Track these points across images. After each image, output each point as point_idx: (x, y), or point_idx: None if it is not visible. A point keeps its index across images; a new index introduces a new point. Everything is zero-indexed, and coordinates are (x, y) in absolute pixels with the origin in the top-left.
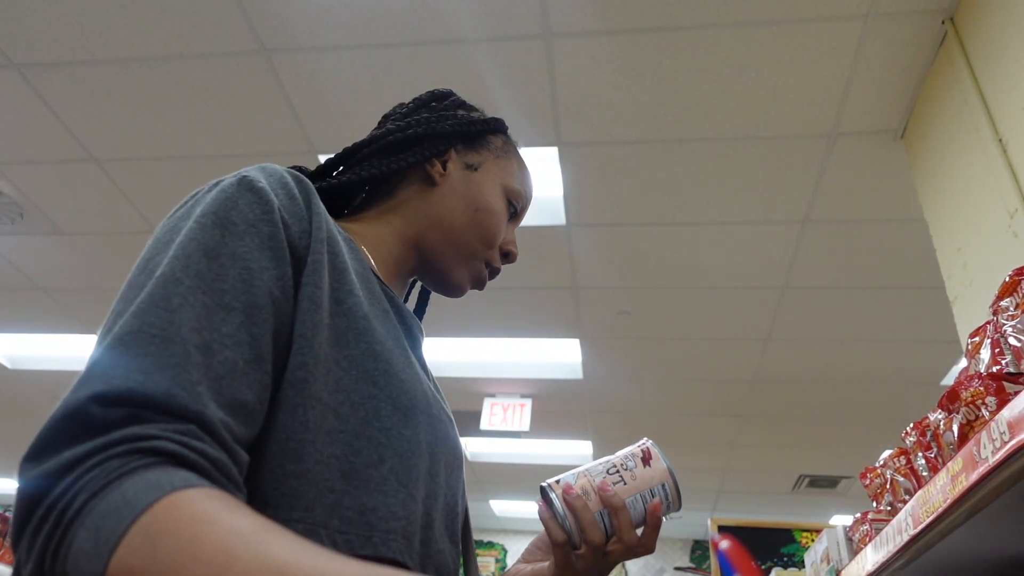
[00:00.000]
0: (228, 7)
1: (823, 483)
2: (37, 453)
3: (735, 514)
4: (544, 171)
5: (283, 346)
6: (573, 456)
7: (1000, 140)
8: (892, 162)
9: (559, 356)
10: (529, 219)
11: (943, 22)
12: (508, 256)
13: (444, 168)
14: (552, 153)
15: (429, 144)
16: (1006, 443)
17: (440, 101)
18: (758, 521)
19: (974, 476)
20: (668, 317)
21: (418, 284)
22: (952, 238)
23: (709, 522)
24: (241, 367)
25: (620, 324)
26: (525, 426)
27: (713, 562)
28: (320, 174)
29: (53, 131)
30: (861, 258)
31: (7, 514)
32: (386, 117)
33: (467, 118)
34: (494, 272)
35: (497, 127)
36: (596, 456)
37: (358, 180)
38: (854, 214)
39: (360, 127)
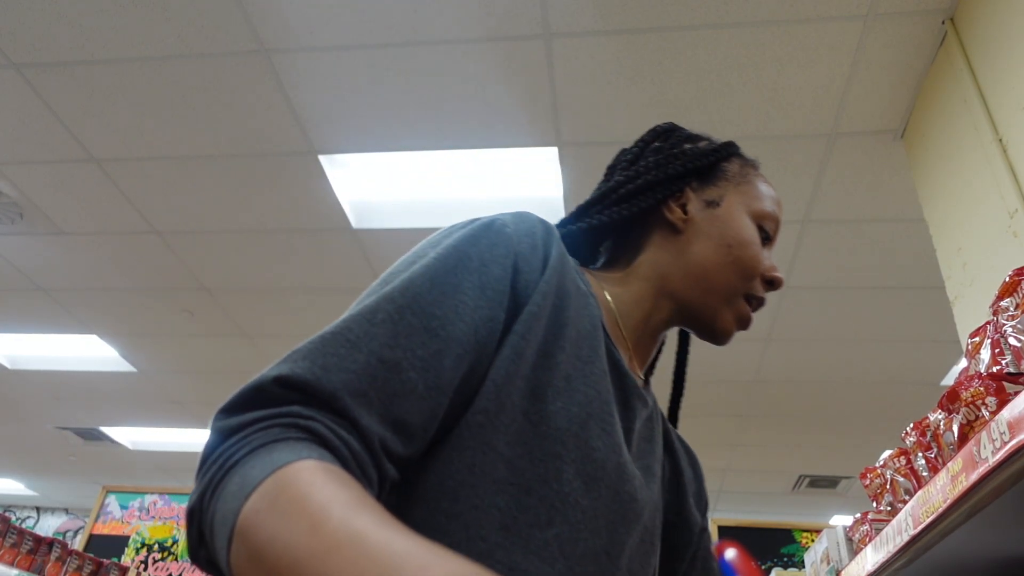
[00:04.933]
0: (228, 7)
1: (823, 483)
2: (228, 409)
3: (735, 514)
4: (544, 171)
5: (473, 386)
6: None
7: (1000, 140)
8: (892, 162)
9: None
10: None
11: (943, 22)
12: (773, 284)
13: (685, 211)
14: (552, 153)
15: (661, 189)
16: (1006, 443)
17: (664, 139)
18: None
19: (974, 476)
20: None
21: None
22: (952, 238)
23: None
24: (420, 391)
25: None
26: None
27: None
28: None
29: (53, 131)
30: (861, 258)
31: (7, 514)
32: (611, 168)
33: (695, 151)
34: (759, 304)
35: (729, 152)
36: None
37: (588, 228)
38: (854, 214)
39: (360, 127)
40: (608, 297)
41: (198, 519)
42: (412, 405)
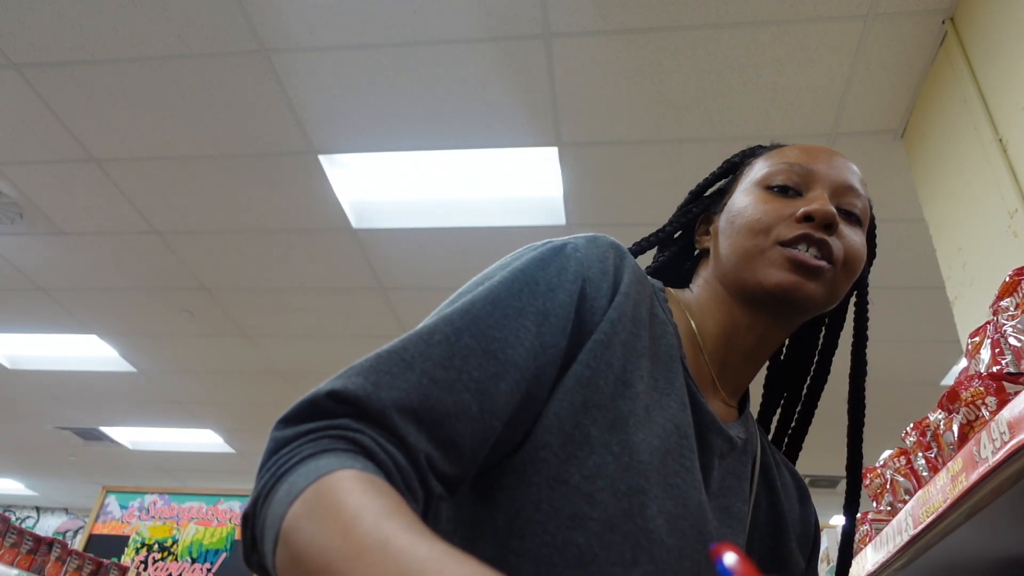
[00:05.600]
0: (228, 7)
1: (823, 483)
2: (285, 421)
3: None
4: (544, 171)
5: (531, 415)
6: None
7: (1000, 140)
8: (892, 162)
9: None
10: (529, 219)
11: (943, 22)
12: (809, 218)
13: (712, 232)
14: (552, 153)
15: (681, 218)
16: (1006, 443)
17: (701, 189)
18: None
19: (974, 476)
20: None
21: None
22: (952, 238)
23: None
24: (473, 412)
25: None
26: None
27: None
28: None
29: (53, 131)
30: None
31: (7, 514)
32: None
33: (708, 177)
34: (809, 241)
35: (736, 164)
36: None
37: (664, 261)
38: None
39: (360, 127)
40: (690, 318)
41: (251, 524)
42: (464, 426)
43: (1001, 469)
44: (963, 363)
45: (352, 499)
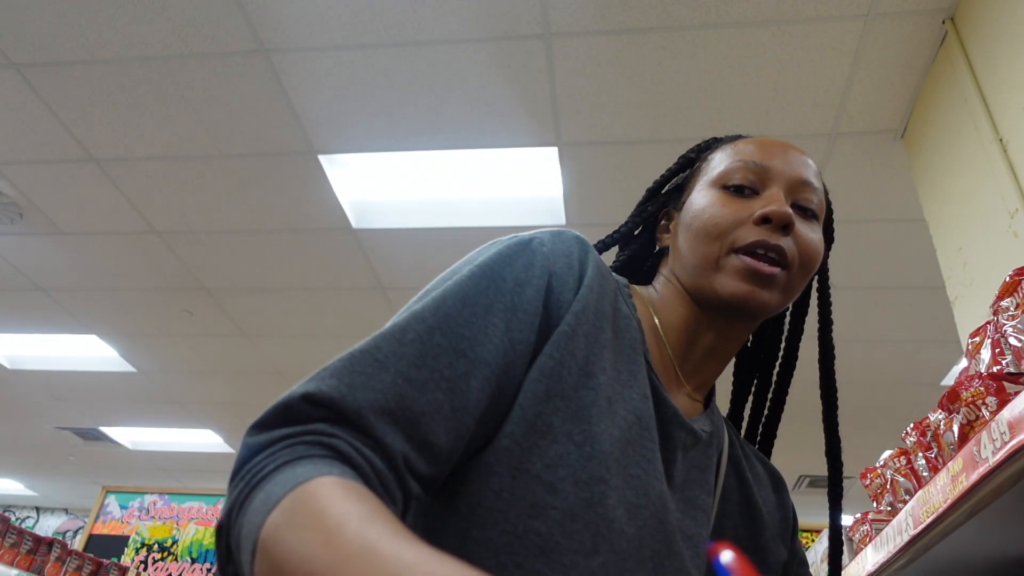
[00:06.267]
0: (228, 7)
1: (823, 483)
2: (257, 426)
3: None
4: (544, 171)
5: (502, 410)
6: None
7: (1000, 140)
8: (892, 162)
9: None
10: (529, 219)
11: (943, 22)
12: (766, 220)
13: (671, 230)
14: (552, 153)
15: (639, 216)
16: (1006, 443)
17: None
18: None
19: (974, 476)
20: None
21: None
22: (952, 238)
23: None
24: (446, 411)
25: None
26: None
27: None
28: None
29: (53, 131)
30: (861, 258)
31: (7, 514)
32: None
33: (664, 173)
34: (766, 247)
35: (691, 160)
36: None
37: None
38: (854, 214)
39: (360, 127)
40: (653, 314)
41: (226, 535)
42: (438, 425)
43: (1001, 469)
44: (963, 363)
45: (333, 506)
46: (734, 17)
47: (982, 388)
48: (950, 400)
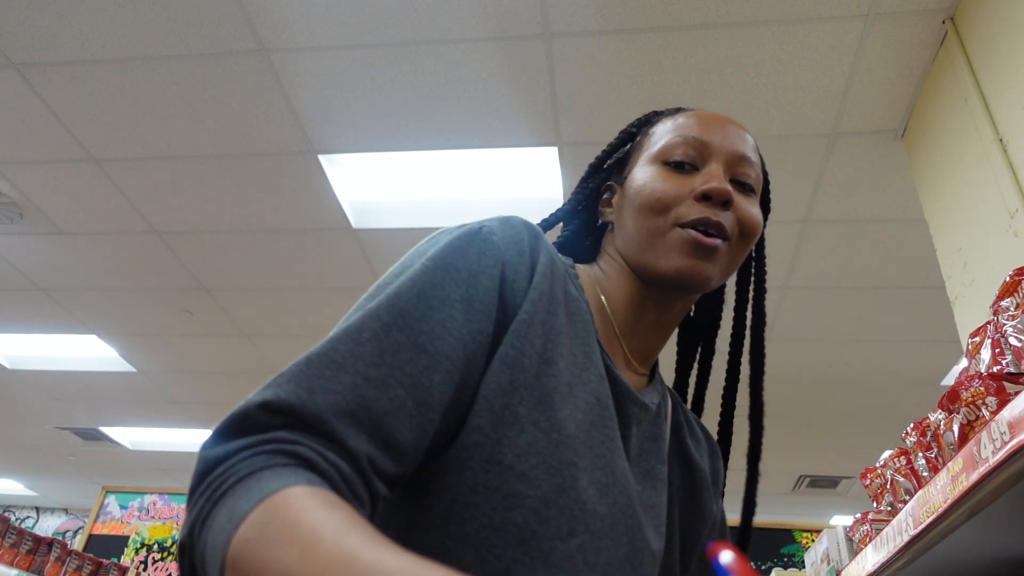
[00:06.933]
0: (228, 7)
1: (823, 483)
2: (215, 438)
3: (735, 514)
4: (544, 171)
5: (465, 402)
6: None
7: (1000, 140)
8: (892, 162)
9: None
10: (529, 219)
11: (943, 22)
12: (708, 196)
13: (613, 205)
14: (552, 153)
15: (581, 191)
16: (1006, 443)
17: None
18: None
19: (974, 476)
20: None
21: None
22: (952, 238)
23: None
24: (409, 408)
25: None
26: None
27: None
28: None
29: (53, 131)
30: (861, 258)
31: (7, 514)
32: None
33: (605, 148)
34: (706, 223)
35: (633, 129)
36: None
37: (568, 234)
38: (854, 214)
39: (360, 127)
40: (599, 293)
41: (189, 554)
42: (401, 423)
43: (1001, 469)
44: (963, 363)
45: (305, 517)
46: (734, 17)
47: (982, 388)
48: (950, 400)
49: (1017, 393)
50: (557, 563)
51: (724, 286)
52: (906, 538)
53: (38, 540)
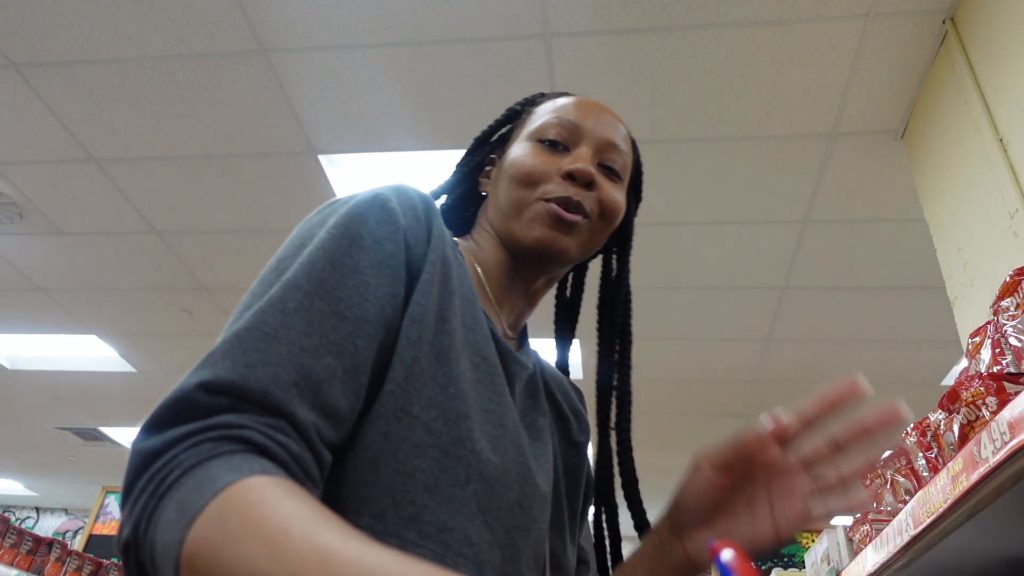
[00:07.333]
0: (228, 7)
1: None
2: (148, 428)
3: None
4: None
5: (384, 363)
6: None
7: (1000, 140)
8: (892, 162)
9: None
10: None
11: (943, 22)
12: (572, 176)
13: (491, 178)
14: None
15: (466, 163)
16: (1007, 443)
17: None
18: None
19: (975, 476)
20: (668, 317)
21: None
22: (952, 238)
23: None
24: (340, 374)
25: None
26: None
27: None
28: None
29: (53, 131)
30: (861, 258)
31: (7, 514)
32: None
33: (491, 123)
34: (569, 203)
35: (518, 107)
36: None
37: (448, 207)
38: (854, 214)
39: (360, 127)
40: (474, 261)
41: (135, 553)
42: (337, 390)
43: (1001, 469)
44: (963, 363)
45: (270, 511)
46: (734, 17)
47: (982, 388)
48: (950, 400)
49: (1017, 393)
50: (456, 508)
51: (587, 266)
52: (906, 538)
53: (38, 540)
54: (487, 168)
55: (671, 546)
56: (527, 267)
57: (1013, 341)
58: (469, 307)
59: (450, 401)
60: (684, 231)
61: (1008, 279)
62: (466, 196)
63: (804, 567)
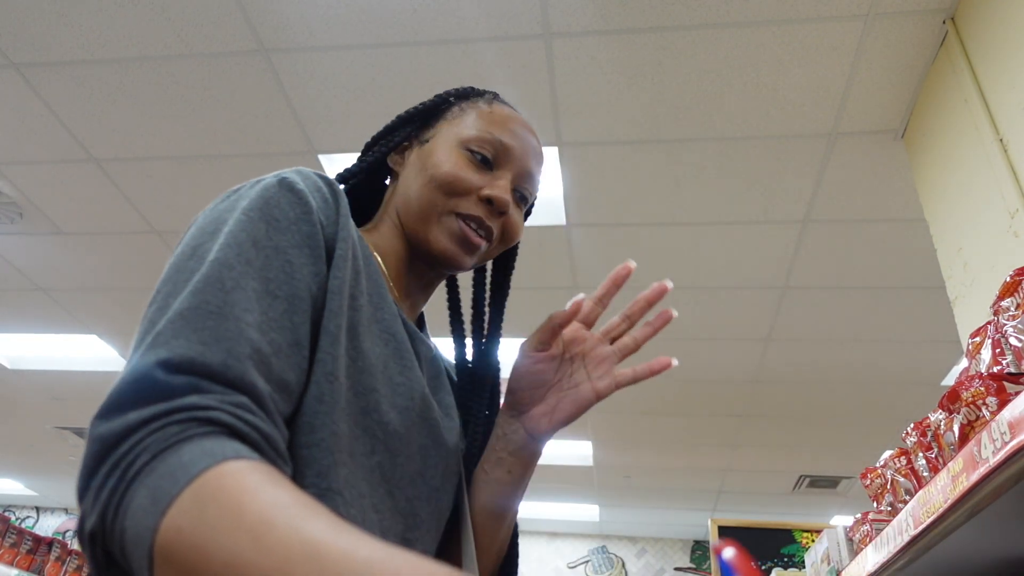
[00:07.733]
0: (228, 7)
1: (823, 483)
2: (106, 412)
3: (735, 514)
4: (544, 171)
5: (314, 335)
6: (573, 456)
7: (1000, 140)
8: (892, 162)
9: None
10: (529, 219)
11: (944, 22)
12: (490, 202)
13: (404, 158)
14: (552, 153)
15: (384, 143)
16: (1007, 443)
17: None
18: (758, 521)
19: (975, 476)
20: None
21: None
22: (952, 238)
23: (709, 522)
24: (285, 349)
25: None
26: None
27: (713, 563)
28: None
29: (53, 131)
30: (861, 258)
31: (7, 514)
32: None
33: (417, 106)
34: (481, 224)
35: (450, 98)
36: (596, 457)
37: (348, 189)
38: (854, 214)
39: (360, 127)
40: (372, 247)
41: (102, 542)
42: (284, 363)
43: (1002, 469)
44: (964, 363)
45: (250, 499)
46: (734, 17)
47: (982, 388)
48: (950, 400)
49: (1017, 393)
50: (364, 477)
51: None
52: (906, 538)
53: (38, 540)
54: (403, 145)
55: (512, 429)
56: (423, 263)
57: (1013, 341)
58: (376, 287)
59: (359, 374)
60: (684, 231)
61: (1008, 279)
62: (368, 178)
63: (804, 567)
